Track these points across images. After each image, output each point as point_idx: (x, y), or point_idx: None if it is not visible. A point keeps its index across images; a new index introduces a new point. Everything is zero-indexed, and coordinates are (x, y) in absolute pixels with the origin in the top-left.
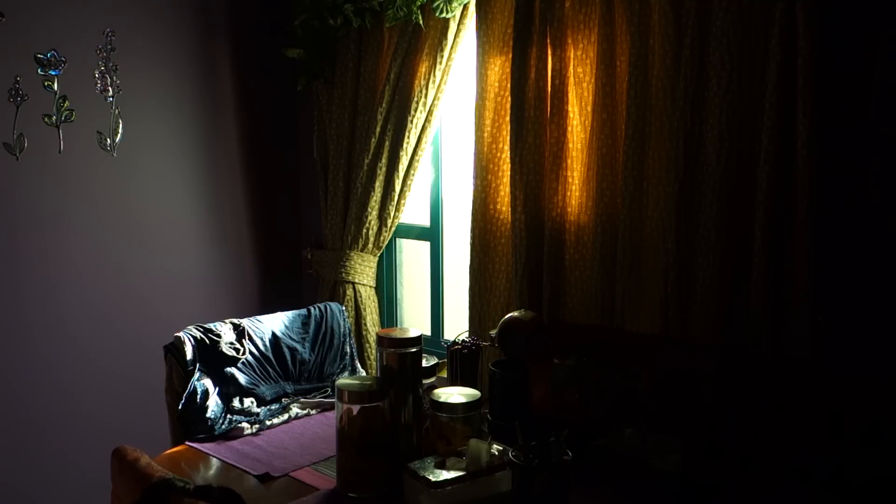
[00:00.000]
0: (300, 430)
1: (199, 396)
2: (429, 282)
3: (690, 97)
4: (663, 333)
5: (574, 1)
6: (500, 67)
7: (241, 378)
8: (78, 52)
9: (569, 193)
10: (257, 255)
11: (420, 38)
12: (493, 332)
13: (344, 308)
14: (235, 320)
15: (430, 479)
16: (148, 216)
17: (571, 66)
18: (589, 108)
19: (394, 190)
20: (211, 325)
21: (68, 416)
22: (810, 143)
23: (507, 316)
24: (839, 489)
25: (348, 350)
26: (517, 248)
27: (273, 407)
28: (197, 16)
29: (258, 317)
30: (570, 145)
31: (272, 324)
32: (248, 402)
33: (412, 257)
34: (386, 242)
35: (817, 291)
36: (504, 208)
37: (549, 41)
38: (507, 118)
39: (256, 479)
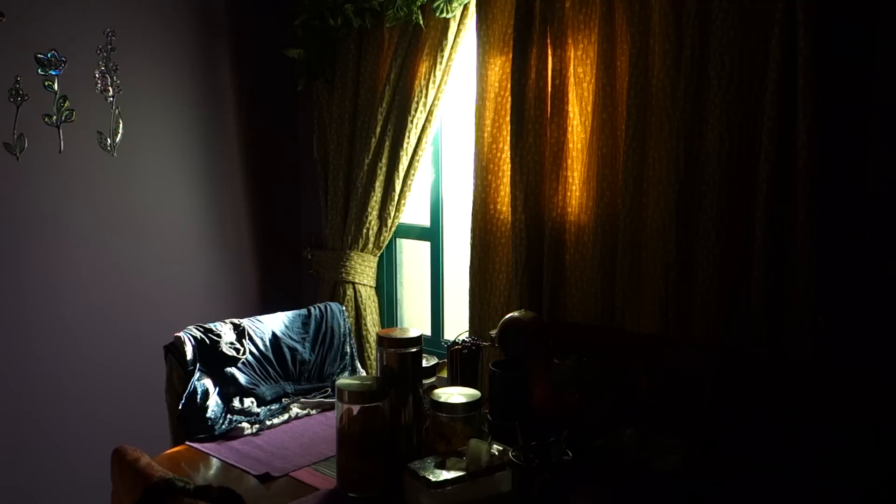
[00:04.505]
0: (300, 430)
1: (199, 396)
2: (429, 282)
3: (690, 97)
4: (663, 334)
5: (574, 1)
6: (500, 67)
7: (241, 378)
8: (78, 52)
9: (569, 193)
10: (257, 255)
11: (420, 38)
12: (493, 332)
13: (344, 308)
14: (235, 320)
15: (430, 479)
16: (148, 216)
17: (571, 66)
18: (589, 108)
19: (394, 190)
20: (211, 325)
21: (68, 416)
22: (810, 143)
23: (507, 316)
24: (840, 489)
25: (348, 350)
26: (517, 248)
27: (273, 407)
28: (197, 16)
29: (258, 317)
30: (570, 145)
31: (272, 324)
32: (248, 402)
33: (412, 257)
34: (386, 242)
35: (817, 291)
36: (504, 208)
37: (549, 41)
38: (508, 118)
39: (256, 479)
